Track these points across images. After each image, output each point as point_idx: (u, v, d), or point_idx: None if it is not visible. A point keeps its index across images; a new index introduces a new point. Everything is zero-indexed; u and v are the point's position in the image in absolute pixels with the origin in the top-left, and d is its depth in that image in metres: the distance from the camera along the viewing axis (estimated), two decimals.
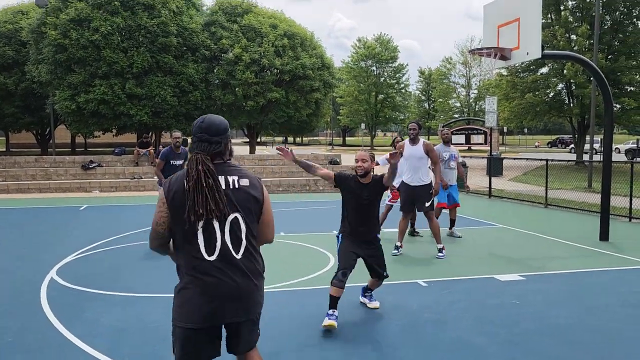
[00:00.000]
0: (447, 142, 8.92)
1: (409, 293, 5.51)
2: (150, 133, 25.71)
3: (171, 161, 7.86)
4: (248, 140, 30.93)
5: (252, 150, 28.82)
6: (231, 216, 2.43)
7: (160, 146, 19.12)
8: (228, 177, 2.48)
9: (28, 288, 5.67)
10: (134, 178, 17.06)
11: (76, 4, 21.81)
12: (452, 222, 8.83)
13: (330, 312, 4.44)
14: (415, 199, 7.24)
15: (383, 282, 4.98)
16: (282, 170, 17.86)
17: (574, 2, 25.60)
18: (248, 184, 2.51)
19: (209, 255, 2.40)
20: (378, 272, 4.82)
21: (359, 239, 4.71)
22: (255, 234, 2.54)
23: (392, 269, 6.46)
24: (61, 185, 16.27)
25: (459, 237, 8.65)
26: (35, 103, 28.23)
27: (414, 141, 7.28)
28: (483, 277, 6.15)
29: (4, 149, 41.73)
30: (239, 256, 2.45)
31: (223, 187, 2.43)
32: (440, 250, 7.23)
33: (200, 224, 2.38)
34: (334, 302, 4.46)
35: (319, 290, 5.50)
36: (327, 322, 4.38)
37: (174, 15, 23.07)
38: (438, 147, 8.73)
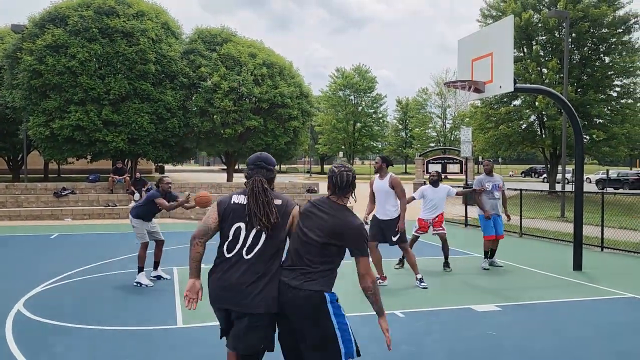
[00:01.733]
0: (489, 172, 8.87)
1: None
2: (126, 160, 25.40)
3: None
4: (226, 167, 30.81)
5: (229, 178, 28.67)
6: (257, 227, 3.09)
7: (137, 173, 18.88)
8: None
9: None
10: (108, 205, 16.76)
11: (53, 30, 21.69)
12: (493, 252, 8.89)
13: None
14: (384, 232, 7.26)
15: (364, 312, 4.92)
16: None
17: (544, 37, 26.52)
18: (280, 204, 3.17)
19: (228, 254, 3.11)
20: None
21: None
22: (275, 246, 3.13)
23: None
24: (32, 212, 15.88)
25: (501, 266, 8.78)
26: (8, 128, 27.70)
27: (380, 175, 7.33)
28: (460, 307, 6.14)
29: None
30: (248, 257, 3.07)
31: None
32: (421, 280, 7.25)
33: (232, 230, 3.13)
34: None
35: None
36: None
37: (152, 43, 23.10)
38: (480, 178, 8.83)
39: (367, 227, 7.64)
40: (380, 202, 7.26)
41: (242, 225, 3.11)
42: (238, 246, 3.09)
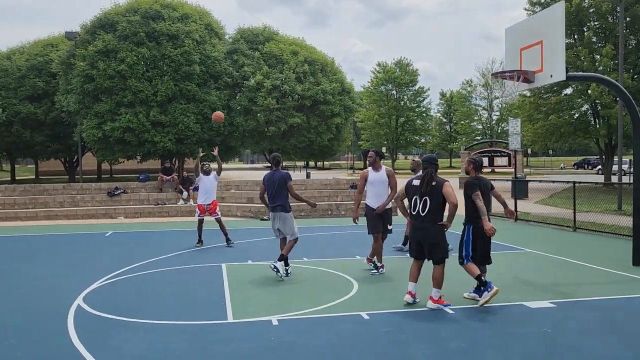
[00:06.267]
0: (413, 169, 9.11)
1: (435, 320, 5.38)
2: (174, 159, 26.06)
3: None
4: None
5: None
6: (425, 197, 5.72)
7: (185, 172, 19.36)
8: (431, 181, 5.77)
9: (55, 315, 5.72)
10: (158, 204, 17.26)
11: (104, 36, 22.52)
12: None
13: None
14: (384, 222, 7.57)
15: (412, 308, 4.86)
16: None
17: (597, 23, 25.39)
18: (435, 184, 5.68)
19: (413, 211, 5.84)
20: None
21: None
22: (437, 206, 5.68)
23: (416, 294, 6.34)
24: (88, 211, 16.55)
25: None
26: (63, 131, 28.99)
27: (374, 167, 7.57)
28: (512, 304, 5.98)
29: (34, 177, 42.74)
30: (423, 214, 5.72)
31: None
32: (377, 268, 7.57)
33: (414, 198, 5.83)
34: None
35: (341, 317, 5.43)
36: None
37: (197, 45, 23.61)
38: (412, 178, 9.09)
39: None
40: (379, 194, 7.51)
41: (417, 196, 5.78)
42: (417, 208, 5.76)
